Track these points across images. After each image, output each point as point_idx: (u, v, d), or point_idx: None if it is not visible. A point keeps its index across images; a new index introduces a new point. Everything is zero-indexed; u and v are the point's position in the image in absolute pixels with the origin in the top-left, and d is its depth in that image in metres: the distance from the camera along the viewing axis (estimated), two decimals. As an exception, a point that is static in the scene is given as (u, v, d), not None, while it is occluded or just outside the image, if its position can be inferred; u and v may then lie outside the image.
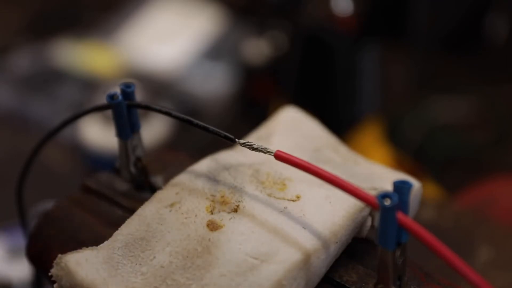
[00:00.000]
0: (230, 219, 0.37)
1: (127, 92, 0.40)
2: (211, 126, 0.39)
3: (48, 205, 0.44)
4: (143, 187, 0.43)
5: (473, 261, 0.63)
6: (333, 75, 1.03)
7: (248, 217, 0.37)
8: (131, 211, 0.40)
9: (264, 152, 0.38)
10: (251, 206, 0.38)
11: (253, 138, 0.45)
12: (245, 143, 0.39)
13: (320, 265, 0.36)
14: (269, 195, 0.39)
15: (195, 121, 0.39)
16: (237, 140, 0.39)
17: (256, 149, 0.38)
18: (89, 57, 1.11)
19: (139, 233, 0.37)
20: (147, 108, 0.40)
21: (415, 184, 0.41)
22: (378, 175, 0.42)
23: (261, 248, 0.36)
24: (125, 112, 0.40)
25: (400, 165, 0.94)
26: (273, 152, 0.37)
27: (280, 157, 0.37)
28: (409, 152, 1.02)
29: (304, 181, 0.40)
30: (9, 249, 0.72)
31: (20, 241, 0.65)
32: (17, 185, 0.47)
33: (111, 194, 0.43)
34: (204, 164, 0.42)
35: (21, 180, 0.47)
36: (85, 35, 1.16)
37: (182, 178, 0.41)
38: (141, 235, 0.37)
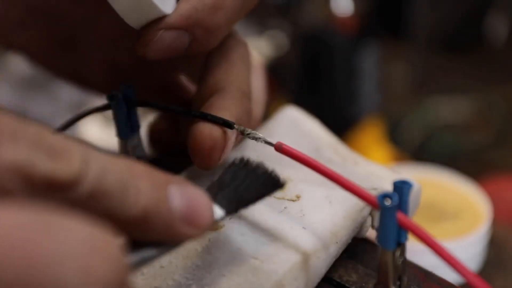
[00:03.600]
0: (230, 219, 0.37)
1: (127, 92, 0.40)
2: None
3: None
4: (143, 187, 0.43)
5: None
6: (333, 75, 1.03)
7: (248, 217, 0.37)
8: (131, 211, 0.40)
9: (264, 141, 0.37)
10: (251, 206, 0.38)
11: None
12: (243, 130, 0.38)
13: (320, 265, 0.36)
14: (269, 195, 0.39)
15: (193, 111, 0.38)
16: (235, 126, 0.38)
17: (255, 139, 0.37)
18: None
19: (139, 233, 0.37)
20: (146, 105, 0.40)
21: (415, 184, 0.41)
22: (378, 175, 0.42)
23: (261, 248, 0.36)
24: (125, 112, 0.40)
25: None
26: (274, 143, 0.36)
27: (280, 148, 0.36)
28: (409, 152, 1.02)
29: (304, 181, 0.40)
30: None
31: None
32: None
33: (111, 194, 0.43)
34: (204, 164, 0.42)
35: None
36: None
37: (182, 178, 0.41)
38: (141, 235, 0.37)
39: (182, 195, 0.30)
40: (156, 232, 0.29)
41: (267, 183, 0.34)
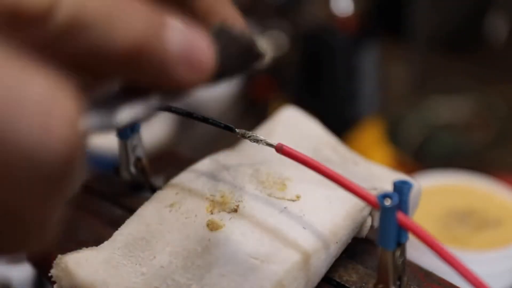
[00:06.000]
0: (230, 219, 0.37)
1: (127, 92, 0.40)
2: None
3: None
4: (143, 187, 0.43)
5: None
6: (333, 75, 1.03)
7: (248, 217, 0.37)
8: (131, 211, 0.40)
9: (265, 143, 0.37)
10: (251, 206, 0.38)
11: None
12: (244, 133, 0.38)
13: (320, 265, 0.36)
14: (269, 195, 0.39)
15: (195, 113, 0.39)
16: (236, 130, 0.38)
17: (256, 141, 0.37)
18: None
19: (139, 233, 0.37)
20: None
21: (415, 184, 0.41)
22: (378, 175, 0.42)
23: (261, 248, 0.36)
24: (125, 112, 0.40)
25: (400, 165, 0.94)
26: (275, 144, 0.36)
27: (281, 150, 0.36)
28: (409, 152, 1.02)
29: (304, 181, 0.40)
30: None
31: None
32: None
33: (111, 194, 0.43)
34: (204, 164, 0.42)
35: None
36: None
37: (182, 178, 0.41)
38: (141, 235, 0.37)
39: (181, 31, 0.25)
40: (147, 74, 0.25)
41: (248, 54, 0.31)
